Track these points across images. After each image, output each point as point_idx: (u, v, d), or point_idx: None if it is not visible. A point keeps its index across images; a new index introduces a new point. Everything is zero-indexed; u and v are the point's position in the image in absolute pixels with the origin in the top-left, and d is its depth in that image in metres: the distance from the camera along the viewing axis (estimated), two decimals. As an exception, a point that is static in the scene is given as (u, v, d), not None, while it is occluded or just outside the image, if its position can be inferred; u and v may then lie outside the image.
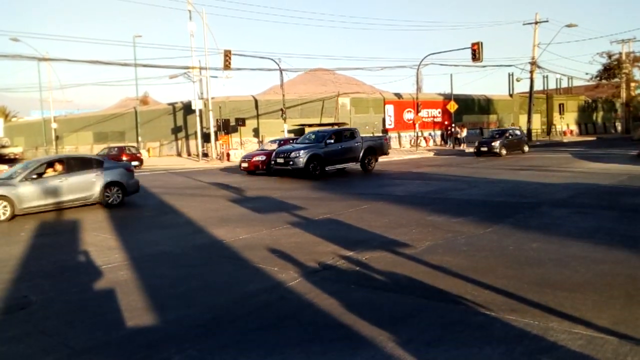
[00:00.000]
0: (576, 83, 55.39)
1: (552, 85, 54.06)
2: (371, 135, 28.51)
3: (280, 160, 17.80)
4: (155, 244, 7.97)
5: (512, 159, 23.19)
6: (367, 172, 18.98)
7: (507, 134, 26.17)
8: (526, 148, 26.78)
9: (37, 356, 3.96)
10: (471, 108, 42.87)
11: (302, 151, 17.27)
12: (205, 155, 32.43)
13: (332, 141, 18.00)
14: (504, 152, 24.79)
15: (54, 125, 43.33)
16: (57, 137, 43.72)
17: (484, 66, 33.71)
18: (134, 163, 25.44)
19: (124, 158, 26.85)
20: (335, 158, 18.02)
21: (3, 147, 38.90)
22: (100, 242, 8.18)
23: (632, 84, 49.70)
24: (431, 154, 29.96)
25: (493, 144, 25.05)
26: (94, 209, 11.96)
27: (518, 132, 27.89)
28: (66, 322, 4.69)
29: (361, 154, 18.78)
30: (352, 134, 19.15)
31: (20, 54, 27.59)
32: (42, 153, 45.03)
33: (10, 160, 34.33)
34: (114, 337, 4.28)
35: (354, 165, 19.14)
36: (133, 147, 31.03)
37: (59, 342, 4.24)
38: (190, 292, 5.46)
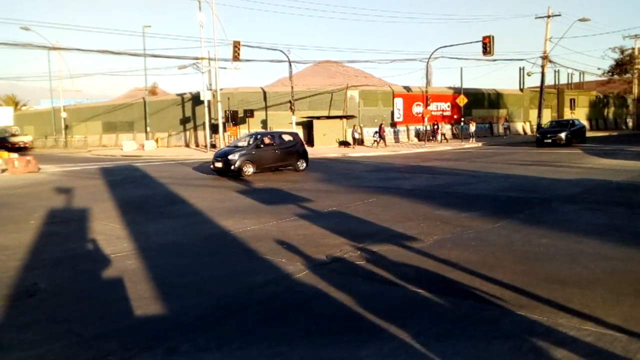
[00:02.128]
0: (588, 78, 54.88)
1: (563, 80, 53.56)
2: None
3: None
4: (163, 233, 8.01)
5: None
6: None
7: (262, 141, 17.26)
8: (302, 164, 17.71)
9: (46, 343, 4.00)
10: (481, 102, 42.57)
11: None
12: (213, 146, 32.48)
13: None
14: (250, 170, 16.24)
15: (63, 115, 43.69)
16: (66, 127, 44.08)
17: (494, 60, 33.37)
18: None
19: None
20: None
21: (13, 135, 39.19)
22: (109, 231, 8.23)
23: (645, 80, 49.09)
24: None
25: (230, 157, 16.11)
26: (104, 197, 12.03)
27: (289, 138, 18.08)
28: (75, 310, 4.73)
29: None
30: None
31: (30, 42, 27.90)
32: (52, 142, 45.46)
33: (20, 149, 34.62)
34: (122, 325, 4.30)
35: None
36: None
37: (67, 329, 4.27)
38: (198, 281, 5.48)
